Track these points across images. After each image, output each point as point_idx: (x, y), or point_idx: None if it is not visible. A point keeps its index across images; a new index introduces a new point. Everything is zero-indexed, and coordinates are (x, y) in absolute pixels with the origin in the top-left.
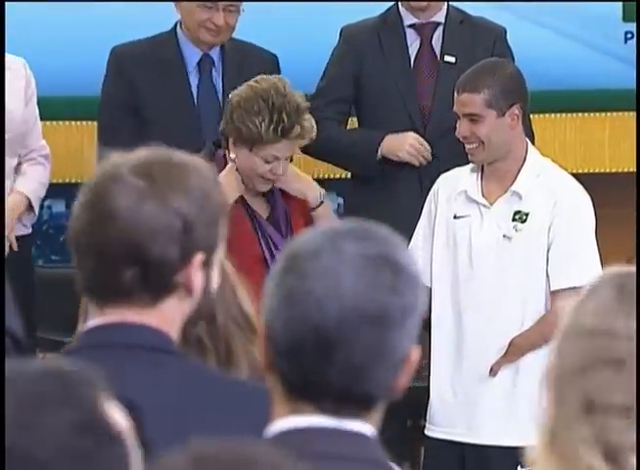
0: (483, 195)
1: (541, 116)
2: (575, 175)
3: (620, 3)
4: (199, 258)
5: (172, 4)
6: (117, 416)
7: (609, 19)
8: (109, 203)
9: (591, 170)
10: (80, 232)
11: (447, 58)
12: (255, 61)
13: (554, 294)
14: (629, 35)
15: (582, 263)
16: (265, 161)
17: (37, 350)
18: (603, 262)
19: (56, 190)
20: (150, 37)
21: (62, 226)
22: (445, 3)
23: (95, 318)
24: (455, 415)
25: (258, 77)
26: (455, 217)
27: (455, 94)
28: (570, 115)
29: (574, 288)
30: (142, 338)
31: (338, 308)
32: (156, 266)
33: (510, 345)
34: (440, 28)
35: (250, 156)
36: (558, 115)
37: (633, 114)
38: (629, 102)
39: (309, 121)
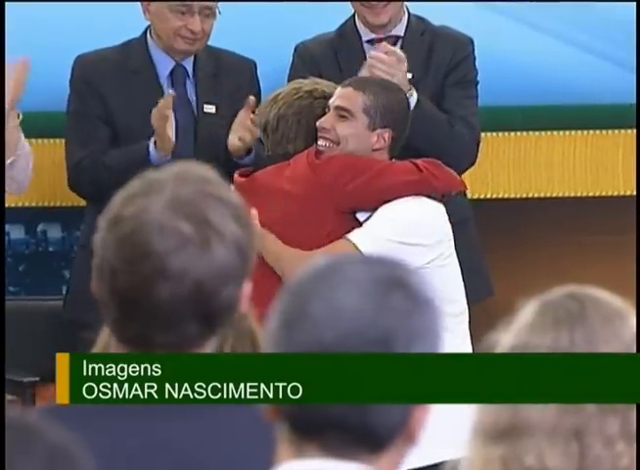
0: None
1: (549, 133)
2: (585, 199)
3: None
4: (248, 286)
5: (140, 9)
6: None
7: (626, 28)
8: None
9: (603, 193)
10: (130, 289)
11: None
12: (231, 68)
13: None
14: None
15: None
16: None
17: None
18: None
19: (13, 214)
20: (117, 45)
21: (21, 254)
22: (405, 14)
23: None
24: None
25: None
26: None
27: (339, 88)
28: (580, 132)
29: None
30: None
31: (335, 330)
32: (222, 313)
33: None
34: (400, 43)
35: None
36: (567, 132)
37: None
38: None
39: None
